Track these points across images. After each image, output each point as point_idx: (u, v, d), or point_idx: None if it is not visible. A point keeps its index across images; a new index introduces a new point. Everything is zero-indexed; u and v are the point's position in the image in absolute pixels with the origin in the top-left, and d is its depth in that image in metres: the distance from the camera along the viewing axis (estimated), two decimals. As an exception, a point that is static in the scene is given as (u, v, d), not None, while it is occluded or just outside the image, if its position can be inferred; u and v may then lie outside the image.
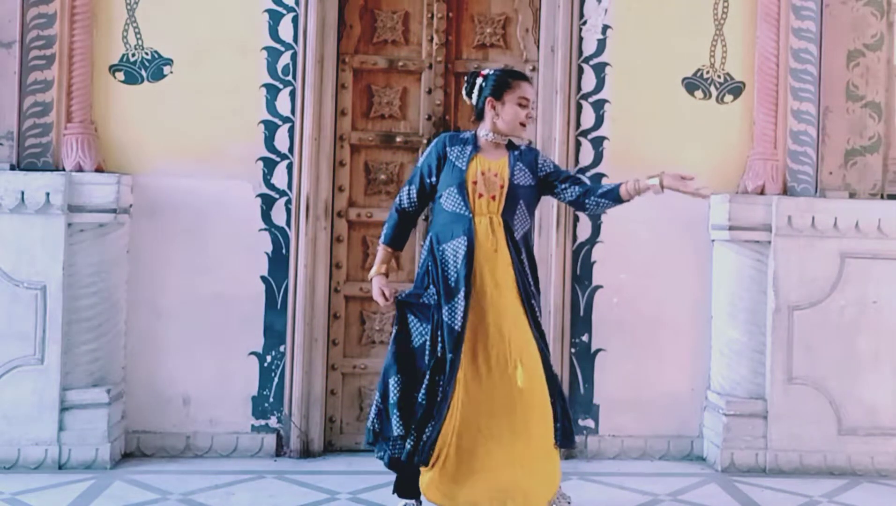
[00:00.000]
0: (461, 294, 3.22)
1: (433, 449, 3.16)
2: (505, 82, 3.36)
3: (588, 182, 3.52)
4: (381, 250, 3.48)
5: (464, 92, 3.46)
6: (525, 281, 3.29)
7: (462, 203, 3.28)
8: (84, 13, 4.12)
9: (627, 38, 4.38)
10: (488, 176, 3.28)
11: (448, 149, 3.37)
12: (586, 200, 3.34)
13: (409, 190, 3.42)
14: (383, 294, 3.39)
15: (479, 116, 3.42)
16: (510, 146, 3.42)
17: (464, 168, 3.30)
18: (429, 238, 3.36)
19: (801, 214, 4.21)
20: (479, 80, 3.39)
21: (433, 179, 3.37)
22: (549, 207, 4.33)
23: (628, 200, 3.32)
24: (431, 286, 3.29)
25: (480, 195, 3.27)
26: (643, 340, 4.37)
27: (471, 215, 3.26)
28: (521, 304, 3.27)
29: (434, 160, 3.38)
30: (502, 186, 3.28)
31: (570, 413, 3.43)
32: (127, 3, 4.21)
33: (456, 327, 3.21)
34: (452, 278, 3.24)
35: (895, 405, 4.26)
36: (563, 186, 3.37)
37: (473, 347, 3.22)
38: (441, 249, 3.29)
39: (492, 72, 3.41)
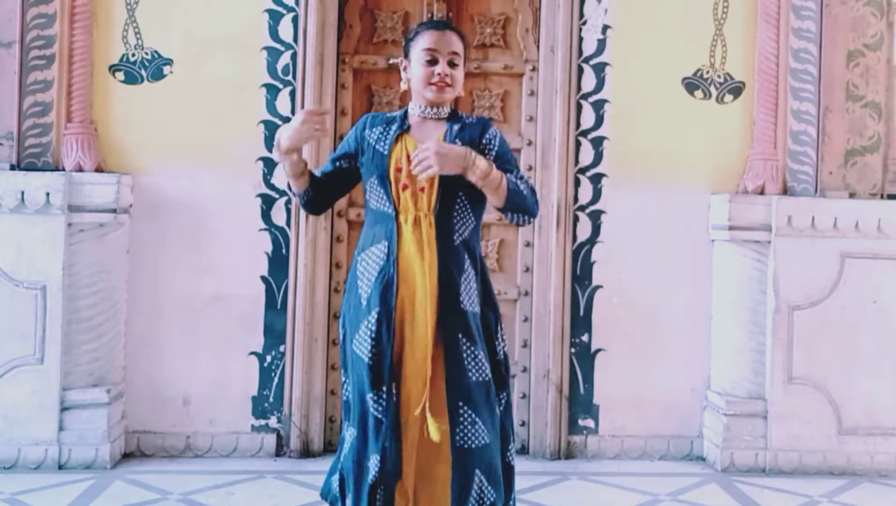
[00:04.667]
0: (373, 316, 2.48)
1: None
2: (412, 35, 2.61)
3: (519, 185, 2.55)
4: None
5: None
6: (460, 306, 2.49)
7: (385, 198, 2.52)
8: (84, 13, 4.12)
9: (627, 38, 4.38)
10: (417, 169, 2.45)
11: (368, 131, 2.60)
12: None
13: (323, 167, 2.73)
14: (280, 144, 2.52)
15: None
16: (452, 118, 2.61)
17: (385, 152, 2.53)
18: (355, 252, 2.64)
19: (801, 214, 4.21)
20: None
21: (343, 162, 2.65)
22: (548, 207, 4.33)
23: (495, 199, 2.49)
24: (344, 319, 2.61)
25: (405, 187, 2.50)
26: (643, 340, 4.37)
27: (395, 214, 2.51)
28: (436, 339, 2.46)
29: (352, 143, 2.65)
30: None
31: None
32: (127, 3, 4.21)
33: (365, 359, 2.47)
34: (365, 295, 2.51)
35: (895, 405, 4.26)
36: None
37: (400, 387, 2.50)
38: (358, 259, 2.58)
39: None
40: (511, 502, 2.64)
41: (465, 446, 2.45)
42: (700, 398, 4.41)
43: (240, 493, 3.76)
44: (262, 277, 4.26)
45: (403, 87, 2.64)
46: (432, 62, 2.55)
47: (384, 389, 2.46)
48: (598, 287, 4.38)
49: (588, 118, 4.37)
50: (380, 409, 2.46)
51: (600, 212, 4.38)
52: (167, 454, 4.20)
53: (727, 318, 4.33)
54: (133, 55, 4.22)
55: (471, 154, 2.42)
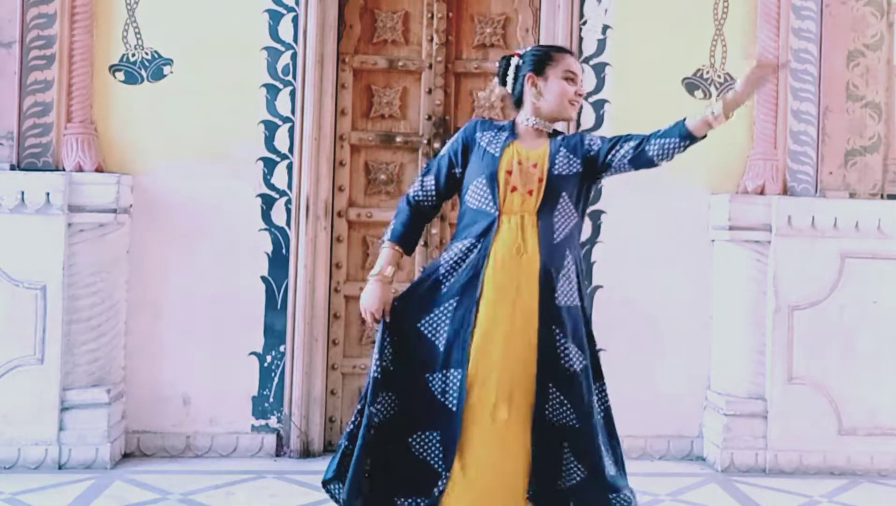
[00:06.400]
0: (452, 302, 2.68)
1: None
2: (546, 55, 2.84)
3: (642, 134, 2.80)
4: (386, 249, 2.80)
5: (496, 79, 2.95)
6: (555, 300, 2.66)
7: (490, 198, 2.71)
8: (84, 13, 4.12)
9: (627, 38, 4.37)
10: (525, 167, 2.72)
11: (479, 134, 2.82)
12: (647, 147, 2.70)
13: (424, 180, 2.85)
14: (374, 314, 2.72)
15: (518, 103, 2.88)
16: (553, 135, 2.86)
17: (497, 155, 2.73)
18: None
19: (801, 214, 4.21)
20: (515, 60, 2.88)
21: (458, 169, 2.81)
22: (549, 207, 4.32)
23: (701, 137, 2.75)
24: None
25: (514, 189, 2.70)
26: (643, 341, 4.37)
27: (496, 213, 2.69)
28: (537, 328, 2.64)
29: (460, 146, 2.82)
30: (541, 180, 2.71)
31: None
32: (127, 3, 4.21)
33: (437, 342, 2.68)
34: (446, 282, 2.70)
35: (895, 405, 4.26)
36: (615, 151, 2.73)
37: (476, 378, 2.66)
38: (447, 249, 2.76)
39: (530, 48, 2.93)
40: (625, 481, 2.78)
41: (556, 421, 2.64)
42: (700, 398, 4.41)
43: (240, 493, 3.76)
44: (262, 277, 4.26)
45: (531, 102, 2.82)
46: (572, 81, 2.81)
47: (455, 372, 2.63)
48: (598, 287, 4.38)
49: (588, 118, 4.37)
50: (447, 392, 2.64)
51: (600, 212, 4.38)
52: (167, 454, 4.20)
53: (727, 318, 4.33)
54: (133, 55, 4.22)
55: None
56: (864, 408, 4.24)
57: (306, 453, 4.26)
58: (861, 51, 4.30)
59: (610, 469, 2.70)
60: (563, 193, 2.72)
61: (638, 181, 4.32)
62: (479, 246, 2.68)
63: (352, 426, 2.73)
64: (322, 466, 4.10)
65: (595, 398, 2.71)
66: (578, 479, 2.65)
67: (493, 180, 2.71)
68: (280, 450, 4.27)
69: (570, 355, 2.66)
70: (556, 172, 2.71)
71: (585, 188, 2.80)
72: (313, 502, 3.64)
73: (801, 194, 4.30)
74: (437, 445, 2.66)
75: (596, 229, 4.38)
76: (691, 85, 4.41)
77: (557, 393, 2.63)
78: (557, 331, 2.65)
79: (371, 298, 2.72)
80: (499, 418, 2.61)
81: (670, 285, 4.38)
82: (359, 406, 2.72)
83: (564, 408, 2.64)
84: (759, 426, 4.22)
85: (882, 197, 4.33)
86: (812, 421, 4.22)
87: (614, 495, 2.68)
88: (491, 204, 2.71)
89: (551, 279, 2.66)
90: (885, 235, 4.24)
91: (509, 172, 2.71)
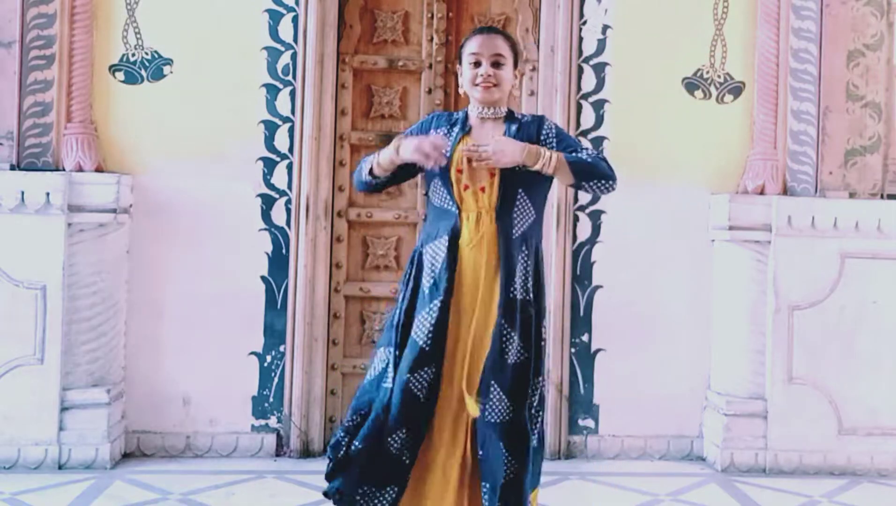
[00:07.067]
0: (435, 304, 2.68)
1: None
2: (464, 42, 2.85)
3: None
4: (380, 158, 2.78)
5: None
6: (510, 294, 2.68)
7: (448, 197, 2.74)
8: (84, 13, 4.12)
9: (627, 38, 4.38)
10: (474, 163, 2.70)
11: (433, 132, 2.81)
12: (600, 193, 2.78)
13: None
14: (427, 149, 2.63)
15: None
16: (509, 118, 2.83)
17: (447, 154, 2.72)
18: (417, 243, 2.87)
19: (801, 214, 4.21)
20: None
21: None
22: (548, 207, 4.31)
23: (565, 177, 2.71)
24: (400, 300, 2.81)
25: (466, 187, 2.71)
26: (643, 340, 4.37)
27: (457, 211, 2.71)
28: (494, 324, 2.67)
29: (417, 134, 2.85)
30: (493, 175, 2.70)
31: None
32: (127, 3, 4.21)
33: (420, 342, 2.67)
34: (428, 285, 2.72)
35: (895, 405, 4.26)
36: None
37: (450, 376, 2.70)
38: (422, 252, 2.79)
39: None
40: (536, 481, 2.80)
41: (493, 421, 2.65)
42: (700, 398, 4.41)
43: (240, 493, 3.76)
44: (262, 277, 4.26)
45: (461, 91, 2.86)
46: (477, 64, 2.76)
47: (429, 371, 2.65)
48: (598, 287, 4.38)
49: (588, 118, 4.37)
50: (421, 389, 2.65)
51: (600, 212, 4.38)
52: (167, 454, 4.20)
53: (727, 318, 4.33)
54: (133, 55, 4.23)
55: (527, 147, 2.65)
56: (864, 408, 4.24)
57: (306, 452, 4.26)
58: (861, 51, 4.30)
59: (527, 480, 2.69)
60: (520, 190, 2.72)
61: (638, 181, 4.35)
62: (447, 245, 2.70)
63: (344, 437, 2.77)
64: (322, 466, 4.10)
65: (531, 392, 2.71)
66: (511, 476, 2.65)
67: (446, 180, 2.73)
68: (280, 450, 4.27)
69: (515, 349, 2.68)
70: (509, 167, 2.69)
71: (542, 182, 2.78)
72: (313, 502, 3.64)
73: (801, 194, 4.30)
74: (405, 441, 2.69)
75: (596, 229, 4.38)
76: (691, 85, 4.41)
77: (497, 389, 2.65)
78: (505, 324, 2.67)
79: (417, 139, 2.67)
80: (463, 417, 2.68)
81: (670, 285, 4.39)
82: (363, 411, 2.74)
83: (503, 405, 2.65)
84: (759, 426, 4.22)
85: (882, 197, 4.33)
86: (812, 421, 4.22)
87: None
88: (450, 203, 2.74)
89: (510, 274, 2.68)
90: (885, 235, 4.24)
91: (460, 171, 2.72)
